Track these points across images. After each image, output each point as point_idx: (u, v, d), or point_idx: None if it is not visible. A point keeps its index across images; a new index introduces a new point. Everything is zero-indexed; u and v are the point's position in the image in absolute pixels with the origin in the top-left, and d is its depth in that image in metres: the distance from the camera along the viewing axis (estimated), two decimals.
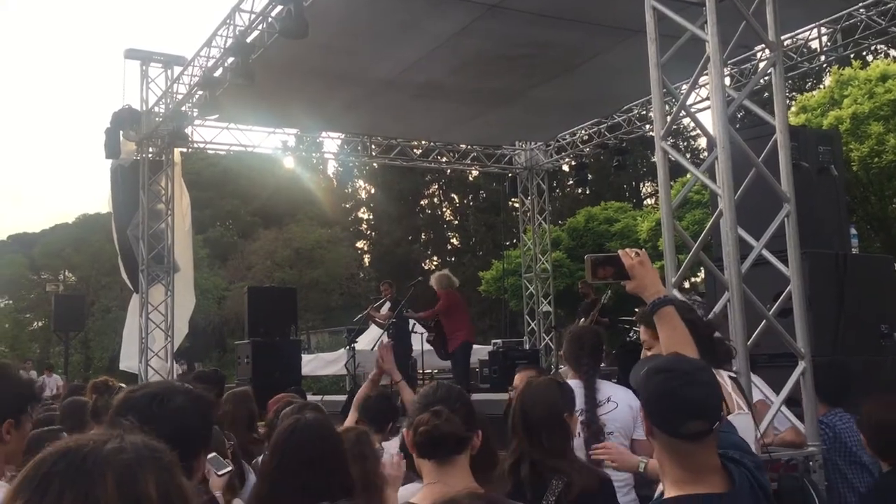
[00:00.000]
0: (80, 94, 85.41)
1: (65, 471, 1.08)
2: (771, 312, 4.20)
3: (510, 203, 18.78)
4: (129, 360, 11.98)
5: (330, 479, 2.61)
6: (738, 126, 6.06)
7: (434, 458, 2.42)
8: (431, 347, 12.74)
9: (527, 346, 14.39)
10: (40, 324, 35.43)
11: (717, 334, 3.42)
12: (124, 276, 12.22)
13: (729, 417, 2.32)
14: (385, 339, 11.25)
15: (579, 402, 3.82)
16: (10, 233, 43.10)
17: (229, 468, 3.07)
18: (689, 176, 4.73)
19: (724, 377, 2.97)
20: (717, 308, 4.12)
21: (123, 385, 5.12)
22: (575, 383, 3.82)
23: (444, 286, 11.22)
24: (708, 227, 4.28)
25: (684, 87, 8.41)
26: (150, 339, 11.44)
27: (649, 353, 3.31)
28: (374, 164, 23.38)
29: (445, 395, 2.54)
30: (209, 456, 3.19)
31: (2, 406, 2.27)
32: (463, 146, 14.64)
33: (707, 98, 10.53)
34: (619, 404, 3.87)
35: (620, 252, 2.69)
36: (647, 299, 2.61)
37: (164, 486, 1.14)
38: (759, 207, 4.49)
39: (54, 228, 38.61)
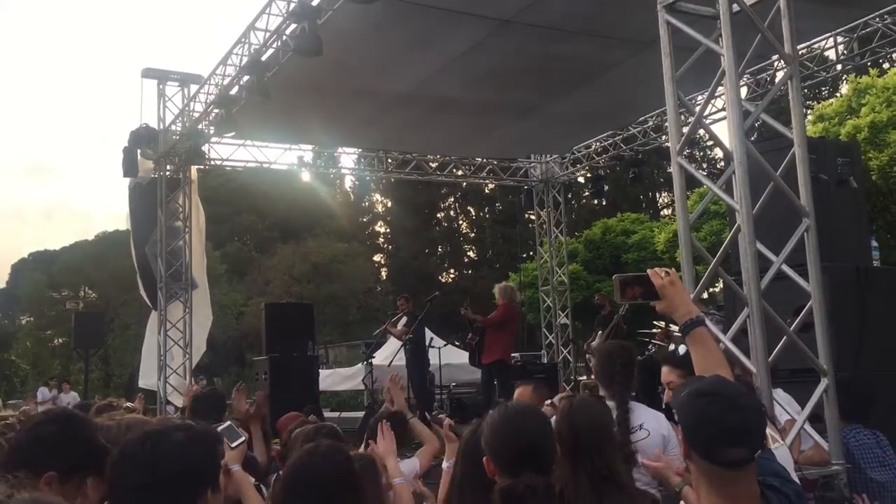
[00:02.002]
0: (99, 113, 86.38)
1: None
2: (792, 328, 4.13)
3: (526, 215, 18.72)
4: (148, 378, 12.01)
5: None
6: (753, 137, 5.99)
7: None
8: (449, 362, 12.70)
9: (545, 360, 14.31)
10: (61, 341, 35.69)
11: (736, 371, 3.31)
12: (143, 293, 12.28)
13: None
14: (398, 360, 11.18)
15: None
16: (31, 250, 43.62)
17: (242, 438, 3.04)
18: (706, 187, 4.67)
19: None
20: (736, 324, 4.07)
21: (130, 404, 5.12)
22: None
23: (507, 297, 11.16)
24: (726, 242, 4.22)
25: (699, 97, 8.37)
26: (169, 356, 11.49)
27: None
28: (391, 178, 23.34)
29: (534, 438, 2.39)
30: (221, 427, 3.17)
31: None
32: (478, 159, 14.64)
33: (722, 109, 10.46)
34: (651, 433, 3.70)
35: (650, 271, 2.62)
36: (678, 320, 2.55)
37: None
38: (777, 221, 4.43)
39: (74, 246, 38.92)
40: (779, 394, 4.09)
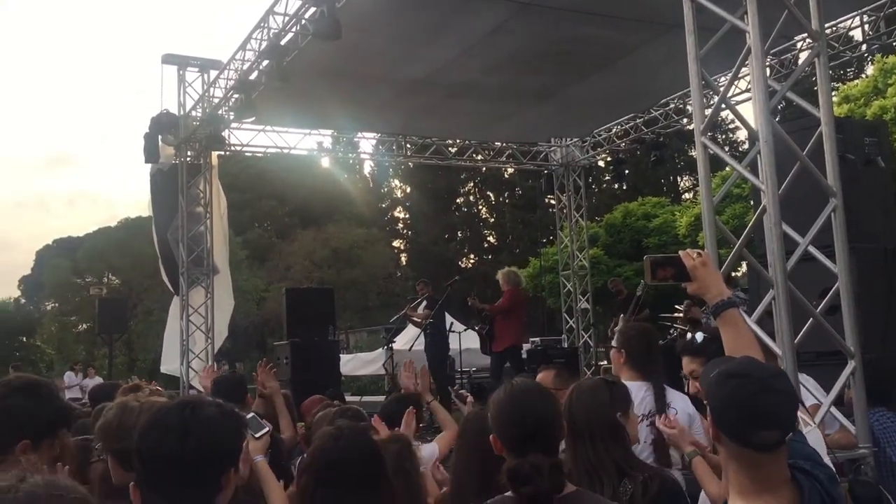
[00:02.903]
0: (120, 102, 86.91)
1: None
2: (818, 310, 4.07)
3: (546, 200, 18.65)
4: (170, 363, 12.10)
5: (375, 498, 2.53)
6: (778, 118, 5.90)
7: None
8: (469, 347, 12.70)
9: (565, 344, 14.28)
10: (85, 326, 36.09)
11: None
12: (165, 278, 12.36)
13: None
14: (418, 345, 11.20)
15: (647, 406, 3.69)
16: (56, 237, 44.08)
17: (267, 429, 3.03)
18: (728, 169, 4.60)
19: None
20: (761, 306, 4.01)
21: (159, 388, 5.16)
22: (638, 385, 3.66)
23: (512, 283, 11.16)
24: (751, 223, 4.16)
25: (722, 79, 8.26)
26: (191, 340, 11.57)
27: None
28: (410, 164, 23.31)
29: (539, 415, 2.32)
30: (246, 417, 3.17)
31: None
32: (498, 144, 14.57)
33: (747, 90, 10.31)
34: (679, 413, 3.69)
35: (681, 253, 2.59)
36: (709, 301, 2.51)
37: None
38: (803, 201, 4.36)
39: (97, 232, 39.25)
40: (802, 377, 4.04)
